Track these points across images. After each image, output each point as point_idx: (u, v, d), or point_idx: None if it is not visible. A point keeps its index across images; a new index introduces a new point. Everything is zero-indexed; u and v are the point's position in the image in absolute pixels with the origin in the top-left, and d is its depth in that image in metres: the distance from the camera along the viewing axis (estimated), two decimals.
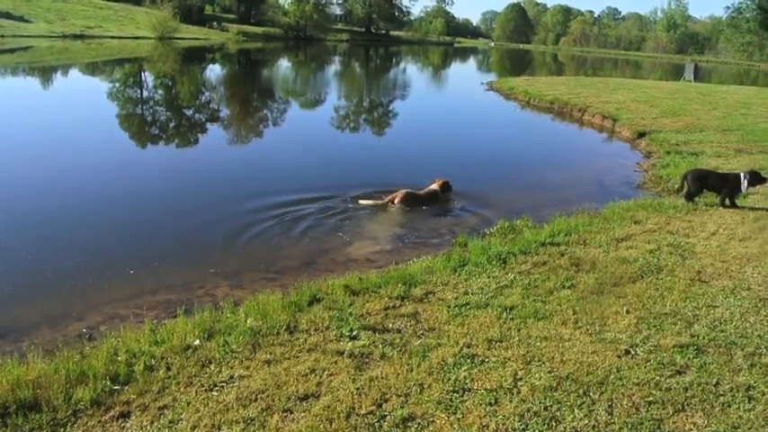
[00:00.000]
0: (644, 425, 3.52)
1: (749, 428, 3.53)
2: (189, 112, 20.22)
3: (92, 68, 33.71)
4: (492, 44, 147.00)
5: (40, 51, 40.80)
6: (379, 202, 9.00)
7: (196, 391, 3.77)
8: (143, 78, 29.97)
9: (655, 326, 4.75)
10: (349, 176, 10.30)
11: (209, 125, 17.92)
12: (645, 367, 4.13)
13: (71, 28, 54.38)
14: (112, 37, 56.08)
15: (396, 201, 8.96)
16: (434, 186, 9.48)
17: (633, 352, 4.34)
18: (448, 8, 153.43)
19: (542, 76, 40.75)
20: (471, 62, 78.65)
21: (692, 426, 3.54)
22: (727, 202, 8.52)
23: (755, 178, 8.45)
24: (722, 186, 8.56)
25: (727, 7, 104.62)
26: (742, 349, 4.42)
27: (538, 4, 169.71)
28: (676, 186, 9.31)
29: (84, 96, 22.48)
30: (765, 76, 63.55)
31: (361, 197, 9.13)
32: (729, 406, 3.73)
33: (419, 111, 24.54)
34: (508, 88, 27.70)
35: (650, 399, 3.76)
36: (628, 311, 4.99)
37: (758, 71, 75.44)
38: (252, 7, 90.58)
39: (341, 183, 9.86)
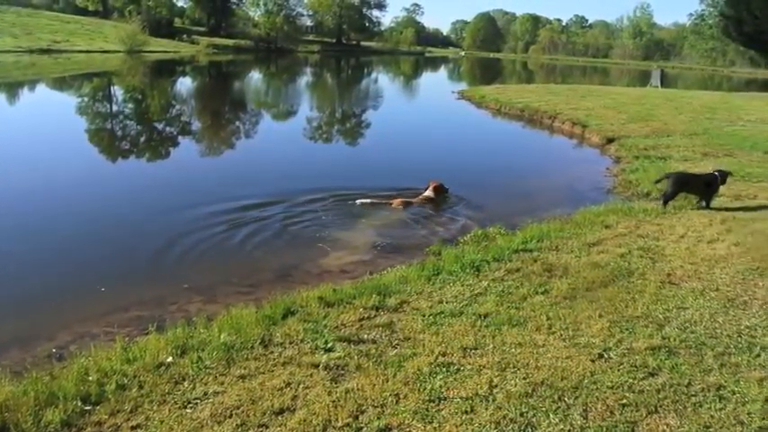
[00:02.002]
0: (618, 428, 3.56)
1: (721, 428, 3.58)
2: (159, 126, 20.00)
3: (60, 83, 33.21)
4: (462, 53, 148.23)
5: (6, 66, 40.08)
6: (377, 202, 9.51)
7: (169, 409, 3.72)
8: (112, 92, 29.64)
9: (627, 329, 4.81)
10: (323, 185, 10.25)
11: (179, 138, 17.73)
12: (618, 370, 4.17)
13: (37, 42, 53.46)
14: (80, 51, 55.27)
15: (393, 205, 9.46)
16: (428, 193, 9.90)
17: (606, 356, 4.39)
18: (418, 18, 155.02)
19: (513, 85, 41.14)
20: (442, 71, 79.22)
21: (665, 427, 3.58)
22: (704, 203, 8.80)
23: (725, 176, 8.81)
24: (703, 187, 8.82)
25: (691, 14, 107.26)
26: (712, 349, 4.49)
27: (507, 14, 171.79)
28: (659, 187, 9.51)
29: (52, 111, 22.09)
30: (729, 81, 65.08)
31: (360, 198, 9.62)
32: (701, 406, 3.79)
33: (391, 120, 24.60)
34: (479, 97, 27.94)
35: (624, 402, 3.80)
36: (600, 315, 5.04)
37: (722, 76, 77.26)
38: (222, 19, 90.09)
39: (316, 193, 9.82)
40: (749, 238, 7.21)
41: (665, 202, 8.86)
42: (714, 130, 16.84)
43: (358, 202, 9.50)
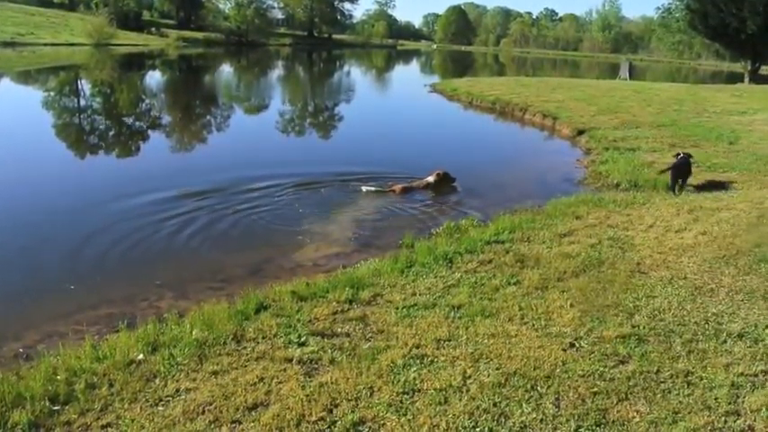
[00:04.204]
0: (590, 415, 3.60)
1: (689, 413, 3.65)
2: (127, 120, 19.67)
3: (24, 77, 32.46)
4: (434, 46, 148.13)
5: None
6: (380, 189, 9.83)
7: (141, 407, 3.67)
8: (79, 86, 29.06)
9: (598, 318, 4.87)
10: (291, 178, 10.21)
11: (150, 132, 17.46)
12: (589, 359, 4.23)
13: (0, 35, 52.16)
14: (46, 44, 53.94)
15: (396, 192, 9.80)
16: (429, 179, 10.23)
17: (578, 345, 4.44)
18: (390, 11, 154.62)
19: (484, 77, 41.32)
20: (414, 64, 79.24)
21: (635, 413, 3.64)
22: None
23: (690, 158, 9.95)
24: (688, 173, 9.66)
25: (658, 8, 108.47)
26: (680, 337, 4.57)
27: (478, 7, 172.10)
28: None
29: (15, 106, 21.59)
30: (695, 74, 66.22)
31: (363, 185, 9.96)
32: (670, 392, 3.86)
33: (363, 114, 24.55)
34: (451, 89, 27.96)
35: (595, 389, 3.86)
36: (571, 305, 5.10)
37: (689, 69, 78.62)
38: (191, 12, 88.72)
39: (287, 189, 9.78)
40: (715, 227, 7.35)
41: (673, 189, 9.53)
42: (681, 122, 17.10)
43: (363, 188, 9.80)
